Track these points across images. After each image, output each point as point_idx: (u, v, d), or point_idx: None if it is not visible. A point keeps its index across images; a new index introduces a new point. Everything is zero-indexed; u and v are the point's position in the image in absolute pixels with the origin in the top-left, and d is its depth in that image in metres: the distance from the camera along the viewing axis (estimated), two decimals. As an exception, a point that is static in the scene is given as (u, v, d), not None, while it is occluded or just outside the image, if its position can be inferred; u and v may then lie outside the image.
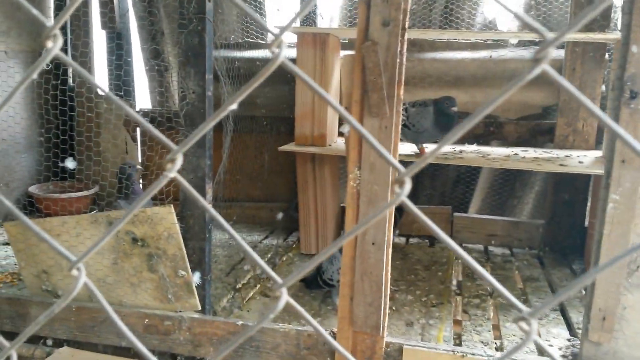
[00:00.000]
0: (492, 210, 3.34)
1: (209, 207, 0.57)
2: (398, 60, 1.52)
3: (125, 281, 1.86)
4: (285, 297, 0.57)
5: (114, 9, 3.30)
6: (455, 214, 3.14)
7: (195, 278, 1.81)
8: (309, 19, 3.17)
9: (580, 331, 2.02)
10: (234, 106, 0.56)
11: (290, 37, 3.19)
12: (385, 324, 1.68)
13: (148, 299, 1.86)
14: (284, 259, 2.79)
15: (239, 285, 2.38)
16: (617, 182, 1.49)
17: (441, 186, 3.49)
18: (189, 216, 1.80)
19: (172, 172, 0.53)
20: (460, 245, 3.06)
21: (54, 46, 0.54)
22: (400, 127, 1.60)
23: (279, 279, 0.58)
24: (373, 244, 1.64)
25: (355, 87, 1.58)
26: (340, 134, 3.10)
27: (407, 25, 1.55)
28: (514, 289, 2.44)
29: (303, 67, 2.65)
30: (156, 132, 0.55)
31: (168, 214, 1.72)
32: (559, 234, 2.86)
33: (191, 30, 1.71)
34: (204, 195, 1.79)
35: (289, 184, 3.29)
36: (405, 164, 2.27)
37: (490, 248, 3.01)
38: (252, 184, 3.24)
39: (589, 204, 2.82)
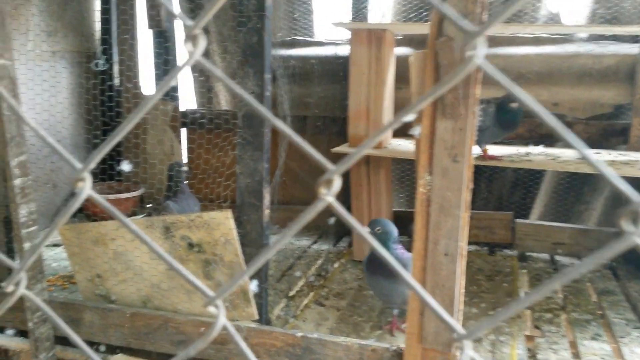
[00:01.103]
0: (556, 217, 3.15)
1: (367, 234, 0.48)
2: (476, 55, 1.39)
3: (180, 287, 1.79)
4: (222, 320, 0.52)
5: (160, 9, 3.26)
6: (518, 220, 2.96)
7: (253, 286, 1.72)
8: (361, 13, 3.05)
9: (667, 352, 1.84)
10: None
11: (342, 34, 3.09)
12: (457, 342, 1.55)
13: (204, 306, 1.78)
14: (336, 265, 2.68)
15: (292, 293, 2.28)
16: None
17: (498, 190, 3.32)
18: (247, 221, 1.71)
19: (330, 195, 0.43)
20: (524, 253, 2.89)
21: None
22: (475, 129, 1.47)
23: (210, 292, 0.55)
24: (446, 254, 1.51)
25: (428, 86, 1.46)
26: (409, 136, 2.96)
27: (485, 19, 1.42)
28: (588, 303, 2.26)
29: (357, 66, 2.54)
30: (303, 144, 0.46)
31: (225, 219, 1.64)
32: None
33: (250, 28, 1.62)
34: (261, 199, 1.70)
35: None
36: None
37: (557, 257, 2.83)
38: (299, 186, 3.15)
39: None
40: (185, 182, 2.49)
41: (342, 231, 3.15)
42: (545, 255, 2.87)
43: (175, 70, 0.48)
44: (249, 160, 1.67)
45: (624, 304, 2.25)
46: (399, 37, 2.91)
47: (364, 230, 0.47)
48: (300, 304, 2.20)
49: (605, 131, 2.70)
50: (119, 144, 3.23)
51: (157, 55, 3.48)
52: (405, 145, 2.70)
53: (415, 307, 1.56)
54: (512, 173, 3.23)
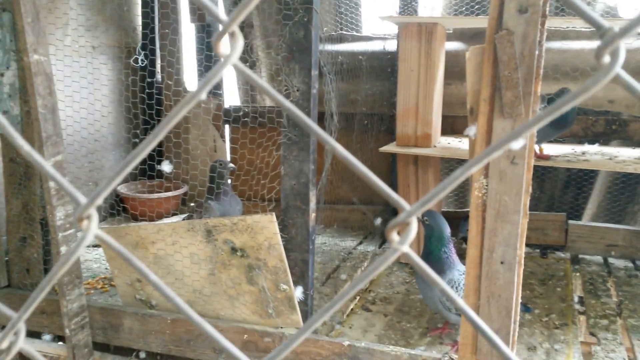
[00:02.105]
0: (609, 217, 3.00)
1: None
2: (537, 52, 1.30)
3: (222, 293, 1.75)
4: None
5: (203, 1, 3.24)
6: (570, 221, 2.83)
7: (298, 292, 1.67)
8: (410, 7, 2.96)
9: None
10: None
11: (389, 28, 3.00)
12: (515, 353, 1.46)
13: (247, 313, 1.74)
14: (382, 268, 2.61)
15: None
16: None
17: (550, 189, 3.18)
18: (291, 225, 1.66)
19: (403, 244, 0.37)
20: (577, 256, 2.75)
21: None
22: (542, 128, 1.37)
23: (81, 197, 0.46)
24: (502, 262, 1.42)
25: (485, 83, 1.37)
26: (464, 136, 2.85)
27: (547, 12, 1.32)
28: (648, 310, 2.13)
29: (406, 62, 2.46)
30: (365, 171, 0.41)
31: (269, 223, 1.60)
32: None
33: (296, 22, 1.56)
34: (307, 202, 1.64)
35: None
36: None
37: (611, 260, 2.69)
38: (342, 186, 3.08)
39: None
40: (228, 181, 2.46)
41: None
42: (599, 258, 2.73)
43: (210, 75, 0.42)
44: (294, 160, 1.62)
45: (688, 312, 2.10)
46: (449, 32, 2.80)
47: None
48: (347, 309, 2.14)
49: (665, 129, 2.54)
50: (159, 143, 3.22)
51: (200, 50, 3.45)
52: (454, 144, 2.60)
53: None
54: (565, 172, 3.08)
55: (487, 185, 1.42)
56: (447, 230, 1.84)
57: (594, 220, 3.01)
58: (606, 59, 0.36)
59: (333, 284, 2.34)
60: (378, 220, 2.69)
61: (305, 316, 1.70)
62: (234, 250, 1.67)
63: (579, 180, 3.06)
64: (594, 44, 2.60)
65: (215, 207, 2.40)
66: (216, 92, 3.27)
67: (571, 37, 2.70)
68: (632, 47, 2.54)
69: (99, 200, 0.41)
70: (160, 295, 1.87)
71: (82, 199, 0.41)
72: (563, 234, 2.82)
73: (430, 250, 1.83)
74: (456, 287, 1.79)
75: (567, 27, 2.64)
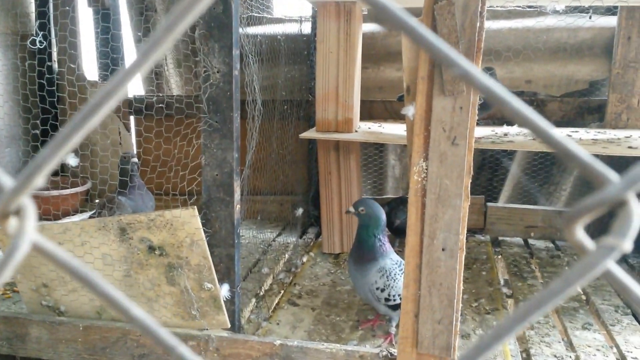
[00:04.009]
0: (526, 198, 3.08)
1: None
2: (478, 23, 1.23)
3: (140, 296, 1.56)
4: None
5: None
6: (489, 204, 2.86)
7: (224, 291, 1.52)
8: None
9: (662, 339, 1.77)
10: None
11: (304, 9, 2.88)
12: (457, 345, 1.40)
13: (168, 315, 1.57)
14: (305, 259, 2.50)
15: (261, 293, 2.09)
16: None
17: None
18: (215, 219, 1.50)
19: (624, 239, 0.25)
20: (497, 238, 2.79)
21: None
22: (477, 108, 1.31)
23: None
24: (443, 249, 1.35)
25: (423, 60, 1.29)
26: (388, 119, 2.78)
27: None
28: (571, 288, 2.18)
29: (325, 43, 2.35)
30: None
31: (191, 218, 1.43)
32: (610, 223, 2.58)
33: (214, -6, 1.39)
34: (231, 194, 1.49)
35: (302, 175, 2.98)
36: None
37: (531, 241, 2.75)
38: (260, 176, 2.94)
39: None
40: (138, 175, 2.25)
41: (309, 222, 2.97)
42: (519, 240, 2.78)
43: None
44: (217, 149, 1.46)
45: (608, 288, 2.17)
46: (364, 13, 2.73)
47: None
48: (272, 304, 2.01)
49: (581, 108, 2.62)
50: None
51: (99, 36, 3.17)
52: (375, 129, 2.53)
53: (409, 309, 1.40)
54: (479, 155, 3.12)
55: (426, 169, 1.34)
56: (383, 218, 1.76)
57: (510, 202, 3.07)
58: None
59: (255, 278, 2.19)
60: (299, 211, 2.57)
61: (232, 316, 1.55)
62: (151, 249, 1.49)
63: (493, 164, 3.11)
64: (512, 23, 2.62)
65: (126, 203, 2.18)
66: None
67: (489, 16, 2.71)
68: (552, 25, 2.58)
69: (35, 184, 0.25)
70: (71, 300, 1.64)
71: (8, 181, 0.25)
72: (482, 216, 2.85)
73: (365, 238, 1.74)
74: (387, 276, 1.71)
75: (498, 7, 2.64)
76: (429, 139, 1.32)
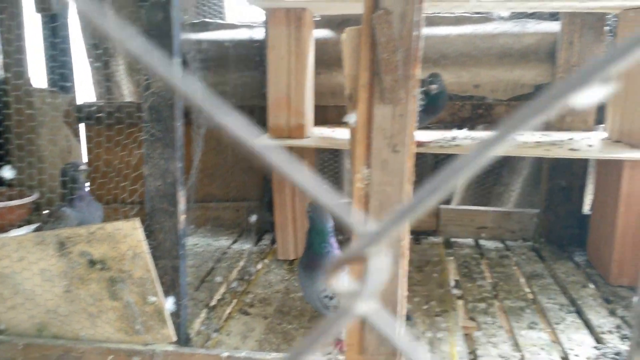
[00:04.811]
0: (477, 200, 3.14)
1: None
2: (416, 32, 1.25)
3: (82, 311, 1.52)
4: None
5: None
6: (441, 206, 2.91)
7: (169, 304, 1.49)
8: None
9: (604, 336, 1.83)
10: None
11: (256, 15, 2.87)
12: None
13: (111, 331, 1.53)
14: (260, 267, 2.48)
15: (213, 302, 2.06)
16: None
17: (420, 175, 3.24)
18: (159, 230, 1.47)
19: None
20: (449, 240, 2.84)
21: None
22: (416, 114, 1.33)
23: None
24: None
25: (363, 67, 1.29)
26: (342, 124, 2.78)
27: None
28: (519, 288, 2.23)
29: (275, 49, 2.34)
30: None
31: (133, 230, 1.40)
32: (556, 223, 2.67)
33: (154, 3, 1.38)
34: (175, 204, 1.47)
35: (257, 181, 2.97)
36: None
37: (482, 242, 2.80)
38: (213, 183, 2.91)
39: (587, 190, 2.65)
40: (86, 185, 2.19)
41: (264, 228, 2.95)
42: (470, 240, 2.83)
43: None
44: (159, 159, 1.43)
45: (554, 287, 2.23)
46: (316, 19, 2.73)
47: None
48: (223, 314, 1.99)
49: (526, 113, 2.68)
50: (2, 143, 2.81)
51: (48, 40, 3.08)
52: (328, 134, 2.54)
53: (357, 316, 1.40)
54: (432, 158, 3.17)
55: (369, 176, 1.35)
56: (329, 224, 1.75)
57: (462, 204, 3.12)
58: None
59: (207, 288, 2.17)
60: (253, 218, 2.55)
61: (179, 328, 1.52)
62: (92, 262, 1.45)
63: (444, 165, 3.16)
64: (460, 29, 2.67)
65: (71, 215, 2.11)
66: (63, 84, 2.91)
67: (437, 22, 2.75)
68: (496, 32, 2.64)
69: None
70: (10, 317, 1.58)
71: None
72: (435, 218, 2.89)
73: (312, 243, 1.73)
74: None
75: (433, 13, 2.68)
76: (371, 147, 1.33)
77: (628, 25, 2.21)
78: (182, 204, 1.48)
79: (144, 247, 1.41)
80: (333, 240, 1.76)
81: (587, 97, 0.27)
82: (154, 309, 1.47)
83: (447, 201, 3.18)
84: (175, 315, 1.52)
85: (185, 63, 1.68)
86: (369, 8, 1.25)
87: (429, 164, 3.22)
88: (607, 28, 2.45)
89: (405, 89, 1.27)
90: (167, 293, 1.49)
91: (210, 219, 2.98)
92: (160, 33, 1.40)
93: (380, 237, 0.26)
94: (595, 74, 0.26)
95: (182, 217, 1.48)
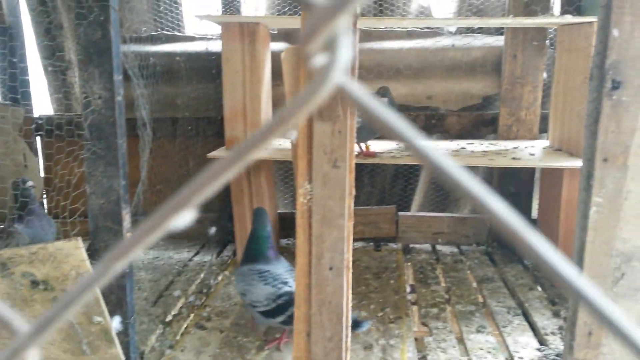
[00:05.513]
0: (435, 206, 3.20)
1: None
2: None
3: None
4: None
5: (1, 1, 2.84)
6: (400, 213, 2.96)
7: (115, 323, 1.49)
8: (232, 6, 2.86)
9: (548, 337, 1.89)
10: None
11: (213, 28, 2.88)
12: (348, 360, 1.44)
13: (57, 352, 1.52)
14: (220, 279, 2.49)
15: (169, 318, 2.06)
16: (599, 183, 1.33)
17: (381, 183, 3.30)
18: (103, 249, 1.47)
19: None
20: (408, 246, 2.89)
21: None
22: (355, 130, 1.36)
23: None
24: (331, 268, 1.39)
25: (302, 85, 1.32)
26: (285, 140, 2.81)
27: (358, 12, 1.31)
28: (470, 292, 2.28)
29: (230, 63, 2.36)
30: None
31: (75, 249, 1.40)
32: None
33: (92, 21, 1.38)
34: (119, 222, 1.47)
35: (219, 192, 2.97)
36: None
37: (438, 247, 2.86)
38: (171, 193, 2.90)
39: (534, 195, 2.73)
40: (41, 200, 2.17)
41: (227, 239, 2.95)
42: (428, 246, 2.89)
43: None
44: (102, 177, 1.44)
45: (503, 290, 2.29)
46: (274, 32, 2.76)
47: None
48: (179, 329, 1.99)
49: (477, 122, 2.76)
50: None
51: (0, 54, 3.04)
52: (286, 145, 2.56)
53: (302, 329, 1.42)
54: (392, 166, 3.22)
55: (311, 191, 1.38)
56: (267, 229, 1.87)
57: (421, 210, 3.18)
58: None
59: (165, 302, 2.16)
60: (212, 230, 2.56)
61: (127, 347, 1.52)
62: (35, 283, 1.44)
63: (406, 173, 3.22)
64: (412, 43, 2.74)
65: (23, 231, 2.09)
66: (18, 97, 2.87)
67: (390, 37, 2.81)
68: (446, 46, 2.71)
69: None
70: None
71: None
72: (394, 225, 2.94)
73: (250, 248, 1.88)
74: (244, 281, 1.84)
75: (385, 28, 2.74)
76: (312, 162, 1.36)
77: (565, 39, 2.30)
78: (127, 222, 1.48)
79: (88, 266, 1.41)
80: (272, 244, 1.88)
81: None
82: (100, 329, 1.47)
83: (407, 208, 3.23)
84: (123, 334, 1.52)
85: (128, 77, 1.69)
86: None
87: (390, 173, 3.27)
88: (548, 42, 2.55)
89: (343, 106, 1.31)
90: (113, 313, 1.49)
91: (173, 232, 2.97)
92: (99, 50, 1.40)
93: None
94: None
95: (127, 235, 1.48)
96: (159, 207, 0.31)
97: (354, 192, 1.38)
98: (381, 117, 0.29)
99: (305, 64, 0.29)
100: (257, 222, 1.88)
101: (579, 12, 2.42)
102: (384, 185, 3.30)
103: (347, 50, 0.28)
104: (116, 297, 1.49)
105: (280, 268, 1.85)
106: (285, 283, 1.79)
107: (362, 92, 0.29)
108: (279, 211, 2.93)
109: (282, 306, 1.77)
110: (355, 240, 2.90)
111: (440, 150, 0.30)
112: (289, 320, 1.70)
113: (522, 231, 0.30)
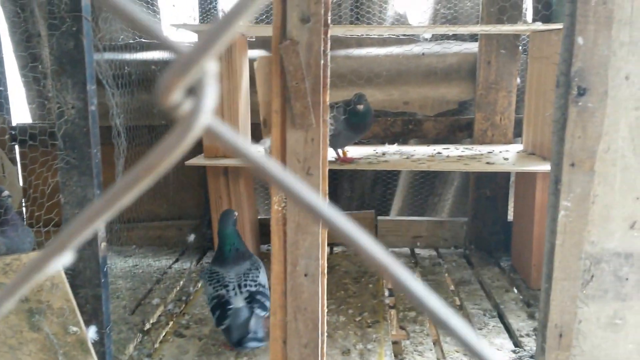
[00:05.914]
0: (413, 210, 3.23)
1: None
2: (322, 61, 1.30)
3: (2, 344, 1.50)
4: None
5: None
6: (379, 217, 2.99)
7: (91, 333, 1.49)
8: (208, 15, 2.86)
9: (522, 339, 1.92)
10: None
11: (190, 37, 2.88)
12: (325, 365, 1.46)
13: (33, 363, 1.51)
14: (199, 285, 2.49)
15: (147, 326, 2.06)
16: (567, 187, 1.36)
17: (360, 187, 3.33)
18: (78, 259, 1.47)
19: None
20: (387, 250, 2.90)
21: None
22: (328, 138, 1.38)
23: None
24: (306, 275, 1.41)
25: (275, 94, 1.34)
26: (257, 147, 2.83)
27: (329, 22, 1.33)
28: (448, 295, 2.31)
29: (206, 70, 2.36)
30: None
31: (50, 260, 1.39)
32: (483, 230, 2.78)
33: (64, 31, 1.38)
34: (94, 232, 1.47)
35: (198, 199, 2.98)
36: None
37: (417, 250, 2.89)
38: (155, 202, 2.89)
39: (510, 198, 2.77)
40: (11, 210, 2.15)
41: (205, 246, 2.95)
42: (407, 250, 2.92)
43: None
44: (76, 187, 1.43)
45: (480, 292, 2.33)
46: (252, 40, 2.77)
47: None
48: (157, 338, 1.99)
49: (453, 127, 2.79)
50: None
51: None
52: (262, 153, 2.57)
53: (278, 336, 1.44)
54: (372, 171, 3.25)
55: (285, 199, 1.39)
56: (229, 228, 1.95)
57: (400, 214, 3.21)
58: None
59: (143, 311, 2.16)
60: (191, 237, 2.56)
61: (103, 357, 1.52)
62: (9, 295, 1.43)
63: (385, 178, 3.25)
64: (388, 50, 2.77)
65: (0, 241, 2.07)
66: (0, 106, 2.85)
67: (366, 44, 2.84)
68: (418, 52, 2.75)
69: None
70: None
71: None
72: (373, 229, 2.96)
73: (220, 246, 1.96)
74: (204, 280, 1.93)
75: (361, 35, 2.76)
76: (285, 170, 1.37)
77: (536, 46, 2.35)
78: (101, 232, 1.48)
79: (63, 277, 1.41)
80: (240, 240, 1.97)
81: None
82: (76, 339, 1.46)
83: (386, 212, 3.26)
84: (99, 344, 1.51)
85: (103, 86, 1.69)
86: (277, 38, 1.29)
87: (369, 178, 3.30)
88: (521, 48, 2.60)
89: (315, 114, 1.32)
90: (88, 322, 1.49)
91: (152, 238, 2.96)
92: (72, 60, 1.40)
93: (211, 47, 0.27)
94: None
95: (102, 245, 1.48)
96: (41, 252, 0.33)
97: (327, 200, 1.40)
98: (247, 155, 0.31)
99: (171, 114, 0.30)
100: (220, 222, 1.98)
101: (549, 19, 2.47)
102: (364, 190, 3.32)
103: (213, 92, 0.29)
104: (91, 307, 1.49)
105: (232, 271, 1.89)
106: (225, 286, 1.83)
107: (231, 133, 0.30)
108: (259, 217, 2.93)
109: (213, 308, 1.83)
110: (335, 245, 2.94)
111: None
112: (218, 322, 1.81)
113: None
